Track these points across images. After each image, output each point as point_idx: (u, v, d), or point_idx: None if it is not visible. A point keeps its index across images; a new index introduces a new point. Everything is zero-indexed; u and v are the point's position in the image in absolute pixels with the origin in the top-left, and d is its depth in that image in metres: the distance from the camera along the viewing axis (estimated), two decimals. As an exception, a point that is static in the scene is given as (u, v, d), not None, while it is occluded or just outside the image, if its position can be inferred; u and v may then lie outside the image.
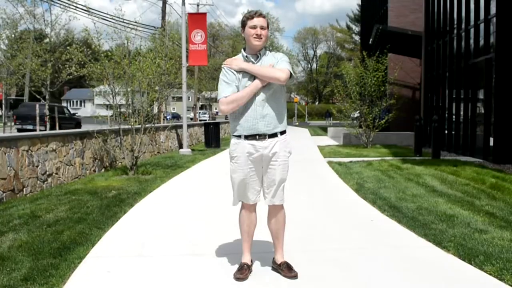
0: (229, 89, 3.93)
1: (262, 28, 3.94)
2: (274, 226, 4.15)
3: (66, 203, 7.20)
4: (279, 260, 4.12)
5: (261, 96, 3.92)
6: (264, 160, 3.99)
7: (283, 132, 4.05)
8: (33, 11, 19.43)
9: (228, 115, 4.09)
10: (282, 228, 4.16)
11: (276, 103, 3.98)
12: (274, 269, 4.15)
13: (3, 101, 33.51)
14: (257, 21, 3.94)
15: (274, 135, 3.98)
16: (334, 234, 5.45)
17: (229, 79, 3.96)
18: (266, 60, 4.00)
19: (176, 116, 57.84)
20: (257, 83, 3.89)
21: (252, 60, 3.99)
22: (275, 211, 4.13)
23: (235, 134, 4.02)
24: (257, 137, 3.94)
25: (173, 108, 69.25)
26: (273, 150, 3.97)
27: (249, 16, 3.98)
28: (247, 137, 3.95)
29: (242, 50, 4.09)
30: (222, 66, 4.06)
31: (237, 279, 3.94)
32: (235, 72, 3.97)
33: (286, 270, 4.02)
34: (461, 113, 15.04)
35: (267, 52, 4.07)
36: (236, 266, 4.09)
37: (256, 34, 3.92)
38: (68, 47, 14.58)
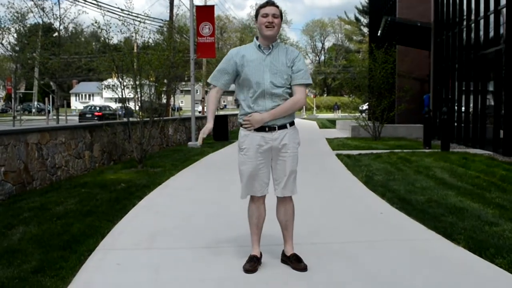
0: (222, 79, 4.04)
1: (274, 16, 3.92)
2: (283, 218, 4.14)
3: (76, 196, 7.23)
4: (288, 252, 4.12)
5: (270, 88, 3.90)
6: (273, 151, 3.98)
7: (292, 123, 4.04)
8: (42, 4, 19.55)
9: (240, 106, 4.09)
10: (291, 220, 4.15)
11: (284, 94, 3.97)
12: (283, 261, 4.15)
13: (13, 95, 33.72)
14: (269, 9, 3.93)
15: (283, 126, 3.97)
16: (343, 227, 5.44)
17: (227, 69, 4.03)
18: (278, 53, 3.98)
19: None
20: (209, 128, 4.02)
21: (264, 52, 3.97)
22: (284, 202, 4.12)
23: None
24: (267, 129, 3.93)
25: (181, 102, 69.23)
26: (282, 141, 3.96)
27: (262, 5, 3.98)
28: (256, 129, 3.94)
29: (255, 39, 4.07)
30: (239, 120, 4.07)
31: (247, 271, 3.94)
32: (237, 62, 3.97)
33: (295, 262, 4.02)
34: (471, 105, 14.91)
35: (280, 43, 4.05)
36: (245, 259, 4.09)
37: (268, 22, 3.90)
38: (77, 39, 14.66)
